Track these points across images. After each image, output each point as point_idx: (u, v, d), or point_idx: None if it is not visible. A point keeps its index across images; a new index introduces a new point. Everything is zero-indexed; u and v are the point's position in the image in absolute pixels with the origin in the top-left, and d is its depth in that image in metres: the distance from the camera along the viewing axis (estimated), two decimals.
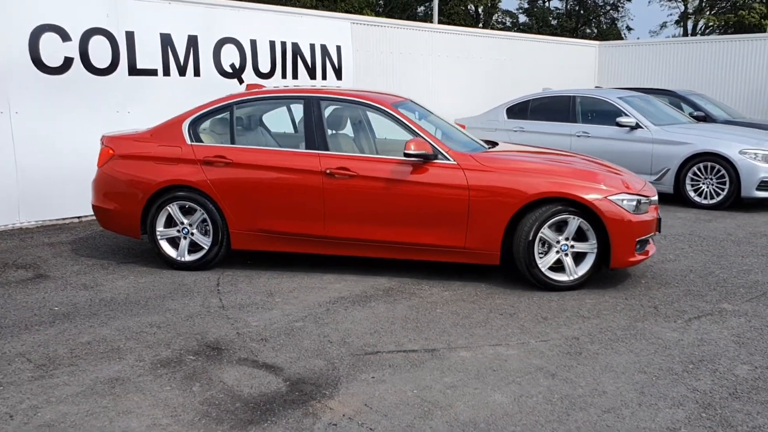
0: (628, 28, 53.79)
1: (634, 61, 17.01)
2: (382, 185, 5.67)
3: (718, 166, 9.20)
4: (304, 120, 5.97)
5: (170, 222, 6.09)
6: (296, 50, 10.57)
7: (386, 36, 12.29)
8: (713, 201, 9.30)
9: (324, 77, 11.03)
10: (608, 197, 5.36)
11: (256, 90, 6.33)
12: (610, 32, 49.70)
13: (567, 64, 16.46)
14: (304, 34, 10.65)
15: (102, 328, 4.70)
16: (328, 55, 11.07)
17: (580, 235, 5.47)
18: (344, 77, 11.29)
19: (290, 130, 6.50)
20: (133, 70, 8.78)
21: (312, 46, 10.80)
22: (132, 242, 7.22)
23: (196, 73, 9.40)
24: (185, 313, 5.00)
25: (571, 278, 5.50)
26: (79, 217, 8.50)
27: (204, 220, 6.01)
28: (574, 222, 5.41)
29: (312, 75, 10.85)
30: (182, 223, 6.06)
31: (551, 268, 5.50)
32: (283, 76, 10.45)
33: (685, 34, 48.35)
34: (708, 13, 47.56)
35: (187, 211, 6.06)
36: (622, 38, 46.67)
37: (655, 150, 9.67)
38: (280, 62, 10.38)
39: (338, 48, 11.20)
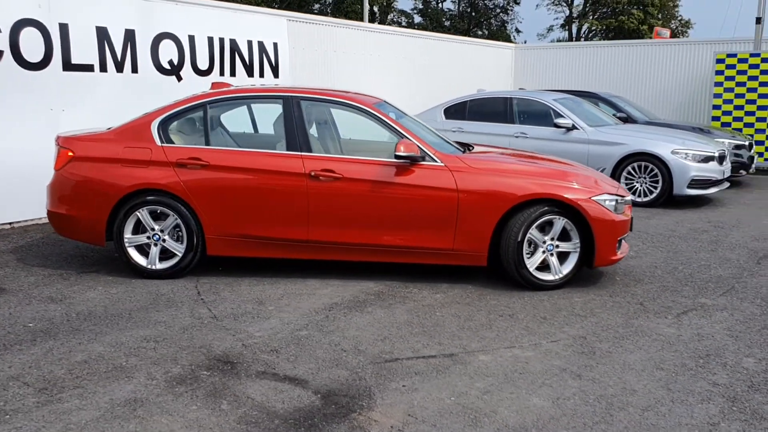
0: (517, 31, 55.73)
1: (548, 63, 17.61)
2: (368, 188, 5.58)
3: (651, 166, 9.67)
4: (284, 120, 5.78)
5: (138, 228, 5.74)
6: (234, 47, 10.25)
7: (322, 34, 12.14)
8: (647, 199, 9.76)
9: (261, 75, 10.75)
10: (592, 198, 5.50)
11: (230, 89, 6.07)
12: (499, 34, 51.22)
13: (487, 65, 16.84)
14: (242, 31, 10.33)
15: (93, 344, 4.37)
16: (266, 53, 10.80)
17: (563, 236, 5.59)
18: (281, 75, 11.05)
19: (268, 131, 6.27)
20: (68, 65, 8.23)
21: (249, 43, 10.50)
22: (85, 249, 6.76)
23: (134, 69, 8.93)
24: (178, 325, 4.73)
25: (557, 277, 5.61)
26: (11, 223, 7.88)
27: (176, 226, 5.71)
28: (560, 222, 5.52)
29: (250, 72, 10.55)
30: (153, 230, 5.73)
31: (537, 268, 5.59)
32: (221, 73, 10.10)
33: (570, 37, 50.60)
34: (591, 17, 50.03)
35: (157, 217, 5.73)
36: (511, 41, 48.15)
37: (591, 150, 10.04)
38: (218, 59, 10.02)
39: (275, 45, 10.94)
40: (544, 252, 5.57)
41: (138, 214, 5.70)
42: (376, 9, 47.73)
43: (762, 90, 13.89)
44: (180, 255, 5.74)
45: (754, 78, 13.96)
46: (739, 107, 14.14)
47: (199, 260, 5.80)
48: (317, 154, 5.69)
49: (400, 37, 14.27)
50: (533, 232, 5.52)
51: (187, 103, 5.88)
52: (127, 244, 5.75)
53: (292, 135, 5.72)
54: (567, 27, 51.85)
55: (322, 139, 6.04)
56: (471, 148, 6.42)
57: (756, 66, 13.92)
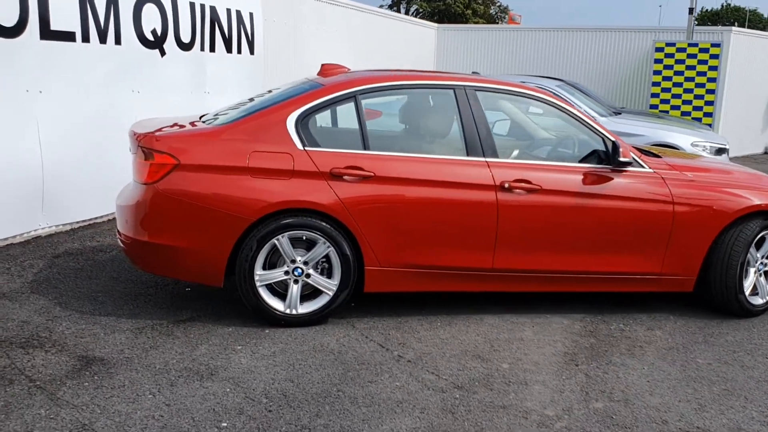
0: None
1: (471, 46, 17.05)
2: (570, 201, 4.52)
3: None
4: (460, 117, 4.53)
5: (266, 261, 4.26)
6: (214, 17, 8.50)
7: (291, 4, 10.58)
8: None
9: (239, 51, 9.06)
10: None
11: (383, 74, 4.68)
12: None
13: (414, 44, 15.94)
14: None
15: None
16: (243, 24, 9.12)
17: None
18: (256, 50, 9.41)
19: (436, 129, 4.94)
20: (47, 32, 6.21)
21: (228, 13, 8.78)
22: (134, 280, 5.03)
23: (117, 40, 7.01)
24: (428, 406, 3.43)
25: (765, 300, 4.92)
26: None
27: (326, 257, 4.29)
28: None
29: (228, 47, 8.83)
30: (293, 261, 4.26)
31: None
32: (202, 48, 8.33)
33: None
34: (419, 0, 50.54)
35: (297, 244, 4.29)
36: None
37: None
38: (199, 31, 8.24)
39: (251, 16, 9.28)
40: (756, 272, 4.84)
41: (276, 242, 4.20)
42: None
43: (699, 79, 14.24)
44: (331, 293, 4.33)
45: (691, 68, 14.27)
46: (677, 96, 14.42)
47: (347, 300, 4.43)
48: (506, 160, 4.52)
49: (345, 9, 12.94)
50: (752, 251, 4.76)
51: (332, 91, 4.43)
52: (258, 283, 4.23)
53: (473, 135, 4.50)
54: (396, 8, 51.83)
55: (503, 140, 4.85)
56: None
57: (694, 56, 14.23)
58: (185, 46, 8.02)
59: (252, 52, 9.35)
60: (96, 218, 6.88)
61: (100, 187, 6.83)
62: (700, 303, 5.00)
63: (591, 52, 15.71)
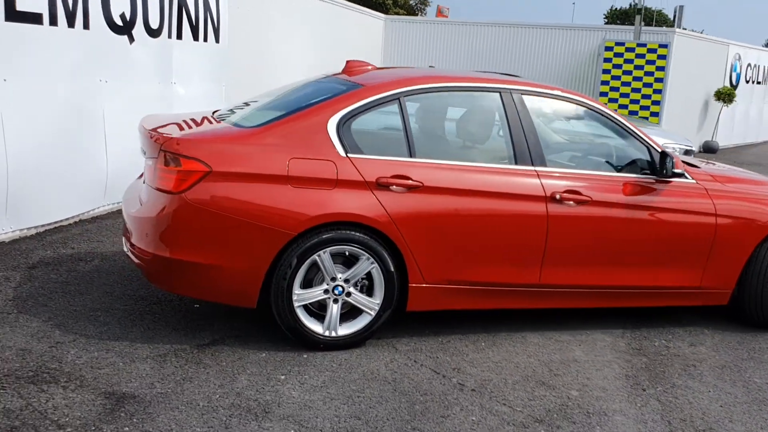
0: None
1: (419, 39, 16.81)
2: (618, 214, 4.33)
3: None
4: (508, 122, 4.24)
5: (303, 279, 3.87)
6: (182, 1, 7.89)
7: None
8: None
9: (205, 39, 8.47)
10: None
11: (427, 74, 4.33)
12: None
13: (363, 35, 15.54)
14: None
15: None
16: (209, 10, 8.52)
17: None
18: (221, 39, 8.83)
19: (475, 133, 4.61)
20: (12, 13, 5.53)
21: None
22: (134, 294, 4.51)
23: (86, 24, 6.34)
24: None
25: None
26: None
27: (366, 274, 3.93)
28: None
29: (195, 35, 8.24)
30: (333, 279, 3.88)
31: None
32: (169, 35, 7.71)
33: None
34: None
35: (335, 260, 3.91)
36: None
37: None
38: (167, 15, 7.63)
39: (217, 1, 8.69)
40: None
41: (317, 258, 3.80)
42: None
43: (647, 79, 14.51)
44: (373, 313, 3.97)
45: (639, 67, 14.52)
46: (625, 95, 14.65)
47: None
48: (554, 170, 4.27)
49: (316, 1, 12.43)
50: None
51: (375, 92, 4.04)
52: (296, 303, 3.83)
53: (521, 142, 4.22)
54: None
55: (548, 148, 4.57)
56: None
57: (642, 56, 14.48)
58: (154, 33, 7.40)
59: (218, 40, 8.76)
60: (62, 221, 6.22)
61: (69, 186, 6.20)
62: (724, 314, 4.91)
63: (542, 49, 15.75)
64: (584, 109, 4.54)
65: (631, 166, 4.50)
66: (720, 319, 4.93)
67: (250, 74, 9.97)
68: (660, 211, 4.39)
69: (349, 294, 3.92)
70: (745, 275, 4.65)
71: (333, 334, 3.92)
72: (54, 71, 5.97)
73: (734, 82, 18.55)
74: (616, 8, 65.03)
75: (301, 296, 3.83)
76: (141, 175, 4.73)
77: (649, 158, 4.48)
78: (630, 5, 64.71)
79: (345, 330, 3.95)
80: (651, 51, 14.37)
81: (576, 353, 4.18)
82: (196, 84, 8.30)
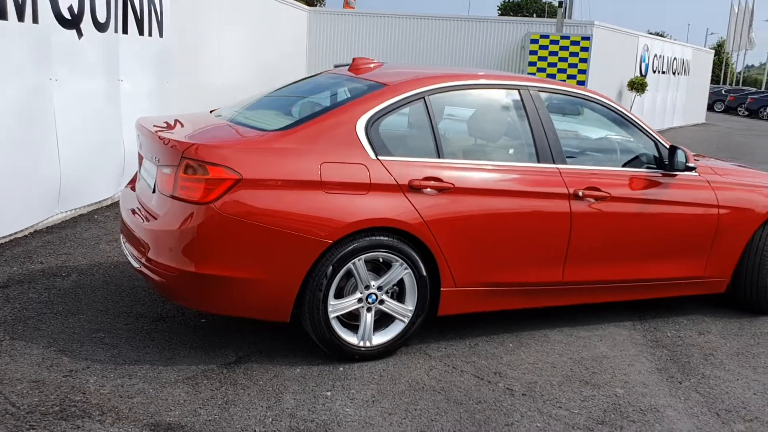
0: None
1: (344, 31, 16.64)
2: (635, 209, 4.39)
3: None
4: (528, 120, 4.20)
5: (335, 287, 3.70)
6: None
7: None
8: None
9: (150, 33, 8.01)
10: None
11: (446, 73, 4.19)
12: None
13: (288, 27, 15.21)
14: None
15: None
16: (152, 2, 8.06)
17: None
18: (165, 33, 8.39)
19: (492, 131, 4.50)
20: None
21: None
22: (138, 307, 4.18)
23: (35, 18, 5.84)
24: None
25: None
26: None
27: (399, 280, 3.81)
28: None
29: (140, 29, 7.76)
30: (367, 287, 3.73)
31: None
32: (116, 29, 7.23)
33: None
34: None
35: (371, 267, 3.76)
36: None
37: None
38: (113, 8, 7.15)
39: None
40: None
41: (352, 265, 3.64)
42: None
43: (570, 71, 14.94)
44: (406, 320, 3.84)
45: (563, 59, 14.93)
46: None
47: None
48: (574, 167, 4.26)
49: None
50: None
51: (400, 91, 3.89)
52: (331, 315, 3.65)
53: (542, 140, 4.19)
54: None
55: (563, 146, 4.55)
56: None
57: (566, 48, 14.89)
58: (101, 27, 6.91)
59: (161, 34, 8.31)
60: (17, 233, 5.71)
61: (20, 194, 5.69)
62: (716, 301, 5.07)
63: (467, 41, 15.91)
64: (596, 105, 4.55)
65: (634, 161, 4.56)
66: (713, 306, 5.09)
67: (188, 70, 9.52)
68: (672, 204, 4.48)
69: (382, 302, 3.77)
70: (741, 263, 4.81)
71: (368, 344, 3.77)
72: (3, 69, 5.45)
73: (644, 72, 19.41)
74: (509, 0, 66.57)
75: (336, 307, 3.65)
76: (132, 181, 4.39)
77: (656, 153, 4.55)
78: None
79: (379, 339, 3.81)
80: (574, 43, 14.79)
81: (601, 349, 4.20)
82: (141, 81, 7.83)
